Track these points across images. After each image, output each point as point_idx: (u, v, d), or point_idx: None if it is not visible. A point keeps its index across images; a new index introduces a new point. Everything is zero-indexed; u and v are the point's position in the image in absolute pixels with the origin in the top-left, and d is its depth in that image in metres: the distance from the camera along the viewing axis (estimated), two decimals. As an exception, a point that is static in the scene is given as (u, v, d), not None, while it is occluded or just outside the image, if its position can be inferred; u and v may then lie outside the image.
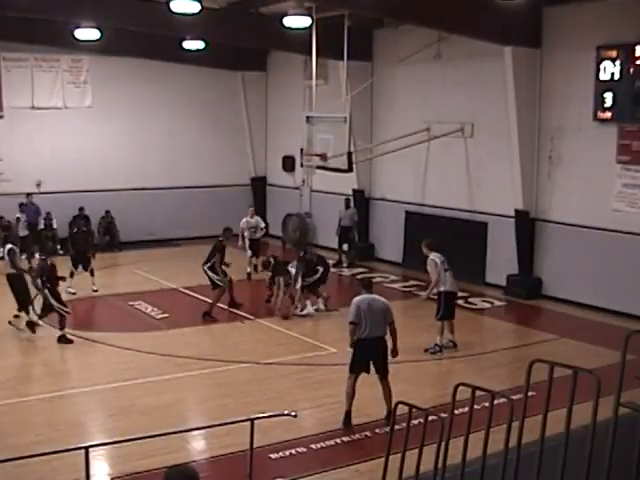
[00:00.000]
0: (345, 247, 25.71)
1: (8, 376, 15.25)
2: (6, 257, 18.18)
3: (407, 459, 8.19)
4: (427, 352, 16.37)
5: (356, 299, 12.57)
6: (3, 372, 15.46)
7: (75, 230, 24.18)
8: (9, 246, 18.36)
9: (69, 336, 17.00)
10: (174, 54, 27.26)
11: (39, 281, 16.96)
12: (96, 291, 21.38)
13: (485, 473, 7.49)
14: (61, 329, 16.95)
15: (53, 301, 16.89)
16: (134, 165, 29.01)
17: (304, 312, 19.44)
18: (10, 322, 18.00)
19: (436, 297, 16.69)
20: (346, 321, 12.76)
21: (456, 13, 19.18)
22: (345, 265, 25.22)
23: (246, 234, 23.93)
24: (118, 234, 28.51)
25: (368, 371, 12.49)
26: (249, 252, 23.69)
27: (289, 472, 10.79)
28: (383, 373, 12.48)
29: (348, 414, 12.34)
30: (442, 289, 16.44)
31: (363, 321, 12.27)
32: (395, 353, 12.65)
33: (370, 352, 12.38)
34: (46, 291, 16.90)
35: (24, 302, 17.88)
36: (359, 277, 14.48)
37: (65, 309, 17.07)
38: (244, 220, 24.01)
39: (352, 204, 26.14)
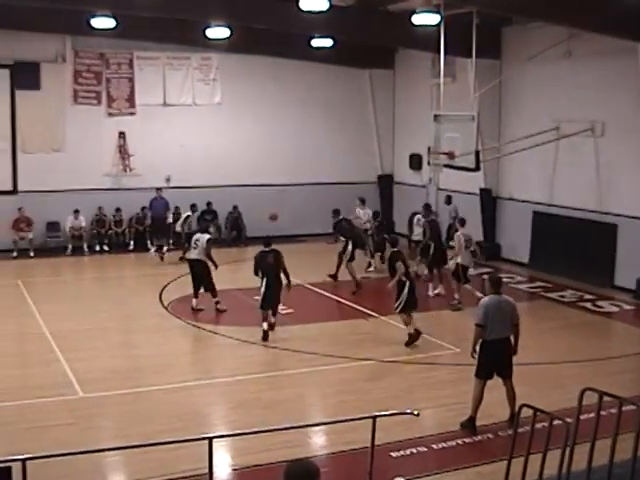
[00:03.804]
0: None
1: (136, 366, 15.67)
2: (204, 244, 19.32)
3: (530, 463, 8.07)
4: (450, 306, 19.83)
5: (485, 300, 12.31)
6: (131, 362, 15.92)
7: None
8: (207, 236, 19.74)
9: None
10: (302, 52, 27.49)
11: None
12: None
13: (611, 481, 7.32)
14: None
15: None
16: (261, 161, 29.35)
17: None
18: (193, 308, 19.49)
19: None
20: (470, 321, 12.63)
21: (586, 9, 18.71)
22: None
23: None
24: (245, 229, 28.93)
25: (492, 377, 12.30)
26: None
27: (409, 471, 10.72)
28: (508, 374, 12.30)
29: (472, 420, 12.15)
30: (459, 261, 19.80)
31: (490, 323, 12.02)
32: (514, 352, 12.41)
33: (496, 354, 12.15)
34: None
35: (211, 288, 19.45)
36: (487, 274, 14.52)
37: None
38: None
39: (453, 200, 26.00)
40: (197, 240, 19.55)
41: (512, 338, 12.29)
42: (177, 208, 27.65)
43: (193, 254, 19.55)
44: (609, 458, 7.27)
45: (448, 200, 26.02)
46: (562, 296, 21.28)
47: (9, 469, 7.50)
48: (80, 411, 13.01)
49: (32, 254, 26.15)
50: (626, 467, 7.22)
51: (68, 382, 14.27)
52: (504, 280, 21.97)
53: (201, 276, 19.46)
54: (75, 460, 9.35)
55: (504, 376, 12.28)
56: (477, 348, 12.23)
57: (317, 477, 5.38)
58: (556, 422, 8.13)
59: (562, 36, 22.44)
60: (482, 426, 12.16)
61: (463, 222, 20.45)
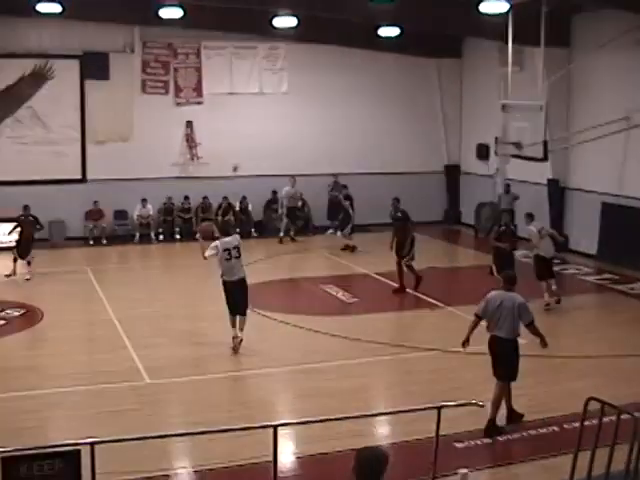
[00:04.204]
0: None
1: (202, 354, 15.80)
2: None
3: (597, 457, 7.97)
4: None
5: (490, 294, 12.05)
6: (197, 349, 16.05)
7: None
8: (238, 236, 18.76)
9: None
10: (369, 41, 27.43)
11: None
12: None
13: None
14: None
15: None
16: (327, 151, 29.30)
17: None
18: None
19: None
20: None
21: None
22: None
23: (285, 202, 27.33)
24: (311, 219, 28.98)
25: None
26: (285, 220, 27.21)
27: (473, 462, 10.64)
28: (499, 376, 11.87)
29: (493, 422, 11.71)
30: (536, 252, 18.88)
31: (489, 318, 11.82)
32: (544, 344, 12.04)
33: (492, 352, 11.93)
34: None
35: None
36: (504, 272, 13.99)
37: None
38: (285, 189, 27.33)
39: (511, 189, 26.09)
40: (236, 248, 15.38)
41: (516, 338, 11.88)
42: (244, 197, 27.86)
43: (240, 272, 15.40)
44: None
45: (507, 189, 26.10)
46: (631, 288, 20.93)
47: (78, 452, 7.65)
48: (146, 397, 13.19)
49: (104, 242, 26.64)
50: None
51: (135, 368, 14.47)
52: (571, 272, 21.94)
53: (243, 296, 15.57)
54: (141, 445, 9.48)
55: (496, 377, 11.90)
56: (470, 338, 12.11)
57: (385, 463, 5.50)
58: (624, 416, 8.03)
59: (634, 23, 22.02)
60: (545, 419, 12.03)
61: (532, 216, 19.60)
